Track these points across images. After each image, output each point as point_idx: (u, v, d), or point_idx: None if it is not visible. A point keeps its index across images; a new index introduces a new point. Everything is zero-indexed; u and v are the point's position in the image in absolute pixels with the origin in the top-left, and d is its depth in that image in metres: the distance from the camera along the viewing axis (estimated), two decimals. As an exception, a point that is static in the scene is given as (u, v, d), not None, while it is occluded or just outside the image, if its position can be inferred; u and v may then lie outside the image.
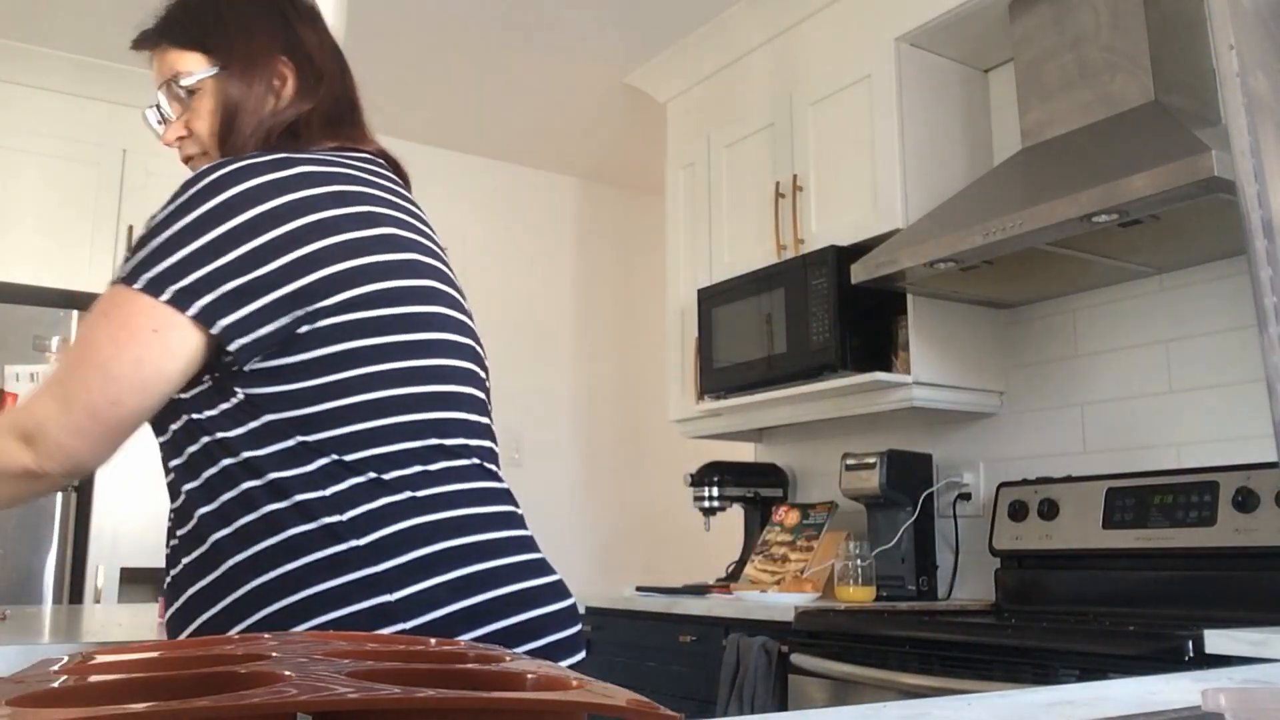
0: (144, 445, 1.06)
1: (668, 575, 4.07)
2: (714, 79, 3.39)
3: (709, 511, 3.16)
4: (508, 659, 0.36)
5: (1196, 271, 2.34)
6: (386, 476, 0.95)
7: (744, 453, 3.51)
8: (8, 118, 3.46)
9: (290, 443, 0.95)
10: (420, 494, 0.96)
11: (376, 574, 0.92)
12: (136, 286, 0.95)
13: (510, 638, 0.97)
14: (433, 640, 0.41)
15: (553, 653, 1.01)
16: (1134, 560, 2.24)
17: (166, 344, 0.94)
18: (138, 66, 3.56)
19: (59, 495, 3.26)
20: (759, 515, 3.20)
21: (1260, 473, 2.06)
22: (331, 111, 1.13)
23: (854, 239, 2.69)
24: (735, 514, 3.26)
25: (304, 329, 0.95)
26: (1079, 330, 2.58)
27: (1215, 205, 1.91)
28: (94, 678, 0.30)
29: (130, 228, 3.52)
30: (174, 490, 1.01)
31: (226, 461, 0.96)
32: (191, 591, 0.97)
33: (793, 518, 3.04)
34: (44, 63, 3.49)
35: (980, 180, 2.52)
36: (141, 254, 0.96)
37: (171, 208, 0.97)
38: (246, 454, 0.95)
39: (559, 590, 1.05)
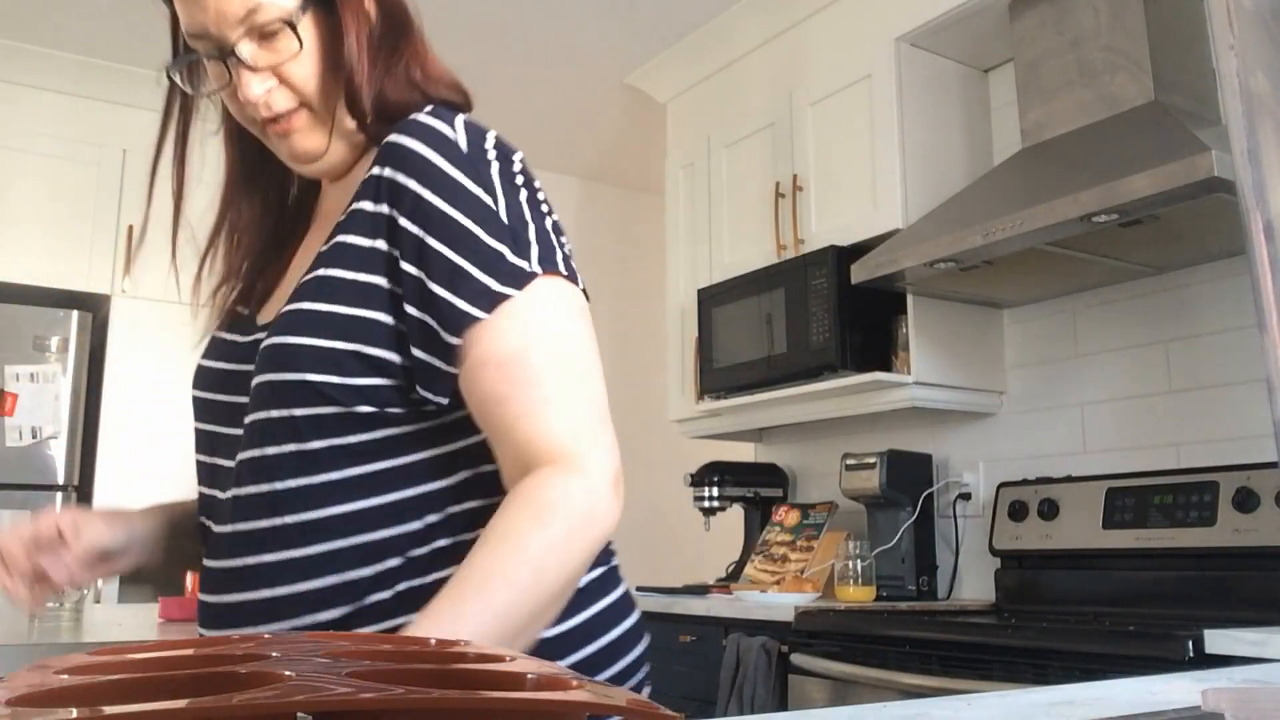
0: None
1: (668, 575, 4.06)
2: (714, 79, 3.39)
3: (709, 511, 3.16)
4: (508, 659, 0.36)
5: (1196, 271, 2.34)
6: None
7: (744, 453, 3.51)
8: (8, 118, 3.46)
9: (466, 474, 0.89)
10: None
11: None
12: (561, 272, 0.89)
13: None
14: (433, 640, 0.41)
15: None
16: (1134, 560, 2.24)
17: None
18: (138, 66, 3.56)
19: (58, 495, 3.26)
20: (759, 515, 3.20)
21: (1260, 473, 2.06)
22: (421, 49, 0.99)
23: (854, 239, 2.69)
24: (735, 514, 3.26)
25: None
26: (1079, 330, 2.58)
27: (1215, 205, 1.91)
28: (94, 678, 0.30)
29: (130, 227, 3.52)
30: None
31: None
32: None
33: (793, 518, 3.04)
34: (44, 63, 3.49)
35: (980, 180, 2.52)
36: (523, 237, 0.87)
37: (492, 178, 0.88)
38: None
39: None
